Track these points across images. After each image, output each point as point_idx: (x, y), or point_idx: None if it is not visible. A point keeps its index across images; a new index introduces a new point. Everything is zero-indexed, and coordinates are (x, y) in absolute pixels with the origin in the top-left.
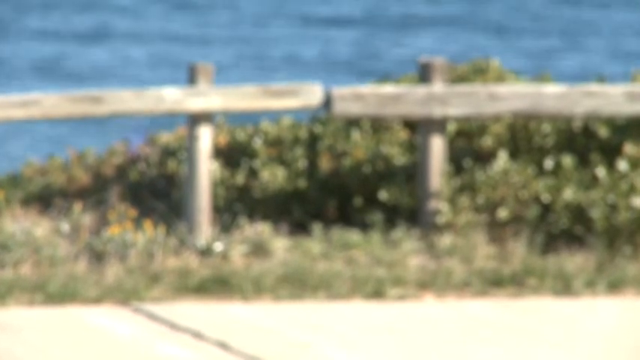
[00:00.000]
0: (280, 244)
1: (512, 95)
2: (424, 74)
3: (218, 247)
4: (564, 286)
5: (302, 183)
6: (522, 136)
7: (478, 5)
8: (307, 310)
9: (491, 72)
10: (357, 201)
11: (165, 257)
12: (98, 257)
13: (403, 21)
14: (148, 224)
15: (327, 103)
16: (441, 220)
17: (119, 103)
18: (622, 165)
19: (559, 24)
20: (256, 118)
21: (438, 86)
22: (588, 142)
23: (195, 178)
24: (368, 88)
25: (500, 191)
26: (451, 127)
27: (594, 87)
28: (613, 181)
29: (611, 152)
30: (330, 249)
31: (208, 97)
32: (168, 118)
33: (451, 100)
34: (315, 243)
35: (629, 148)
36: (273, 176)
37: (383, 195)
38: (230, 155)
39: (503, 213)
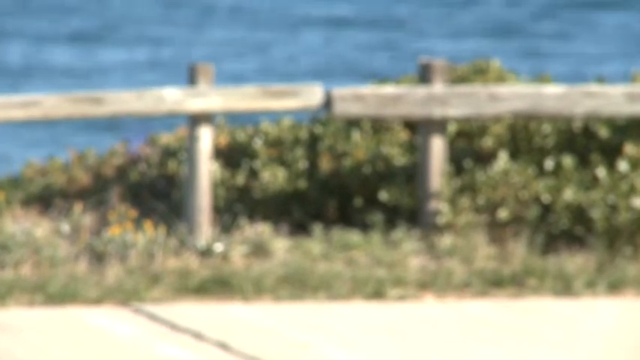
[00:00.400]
0: (280, 245)
1: (513, 96)
2: (424, 75)
3: (218, 247)
4: (564, 287)
5: (302, 183)
6: (522, 137)
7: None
8: (307, 311)
9: (492, 72)
10: (358, 201)
11: (165, 258)
12: (98, 258)
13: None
14: (148, 225)
15: (328, 103)
16: (441, 220)
17: (119, 104)
18: (622, 165)
19: (559, 24)
20: (256, 119)
21: (438, 87)
22: (588, 143)
23: (196, 178)
24: (368, 89)
25: (500, 192)
26: (451, 128)
27: (594, 87)
28: (613, 181)
29: (611, 152)
30: (331, 249)
31: (208, 97)
32: (168, 119)
33: (451, 101)
34: (315, 243)
35: (629, 148)
36: (273, 177)
37: (383, 195)
38: (230, 156)
39: (503, 213)
